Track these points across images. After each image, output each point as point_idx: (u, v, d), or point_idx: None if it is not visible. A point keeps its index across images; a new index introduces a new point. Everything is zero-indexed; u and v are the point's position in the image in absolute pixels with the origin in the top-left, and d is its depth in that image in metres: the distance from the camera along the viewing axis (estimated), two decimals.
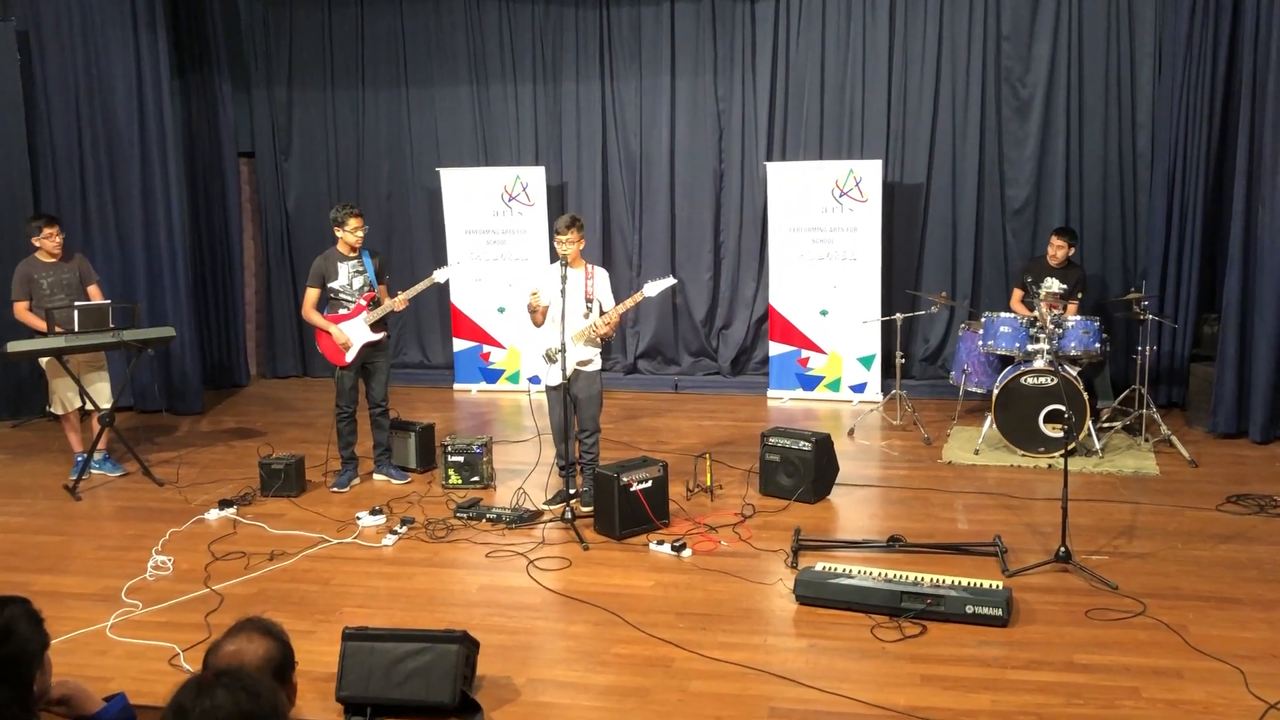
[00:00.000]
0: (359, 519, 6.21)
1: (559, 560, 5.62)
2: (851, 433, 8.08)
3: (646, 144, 9.81)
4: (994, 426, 7.31)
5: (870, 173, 8.89)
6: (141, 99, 8.88)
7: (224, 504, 6.50)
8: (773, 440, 6.58)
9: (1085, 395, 6.99)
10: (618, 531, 5.86)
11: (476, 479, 6.84)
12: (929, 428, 7.99)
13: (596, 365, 6.37)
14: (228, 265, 10.04)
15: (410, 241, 10.30)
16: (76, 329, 6.89)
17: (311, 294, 6.79)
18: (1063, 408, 6.81)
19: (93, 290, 7.37)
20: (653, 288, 6.35)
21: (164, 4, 8.98)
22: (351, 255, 6.79)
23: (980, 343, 7.75)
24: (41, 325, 6.96)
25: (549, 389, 6.38)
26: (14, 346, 6.84)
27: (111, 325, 7.06)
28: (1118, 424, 7.69)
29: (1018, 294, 8.26)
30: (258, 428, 8.62)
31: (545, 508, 6.41)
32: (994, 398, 7.26)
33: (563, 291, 6.02)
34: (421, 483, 7.01)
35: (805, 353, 9.23)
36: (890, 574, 4.99)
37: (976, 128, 9.05)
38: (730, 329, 9.90)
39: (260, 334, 10.77)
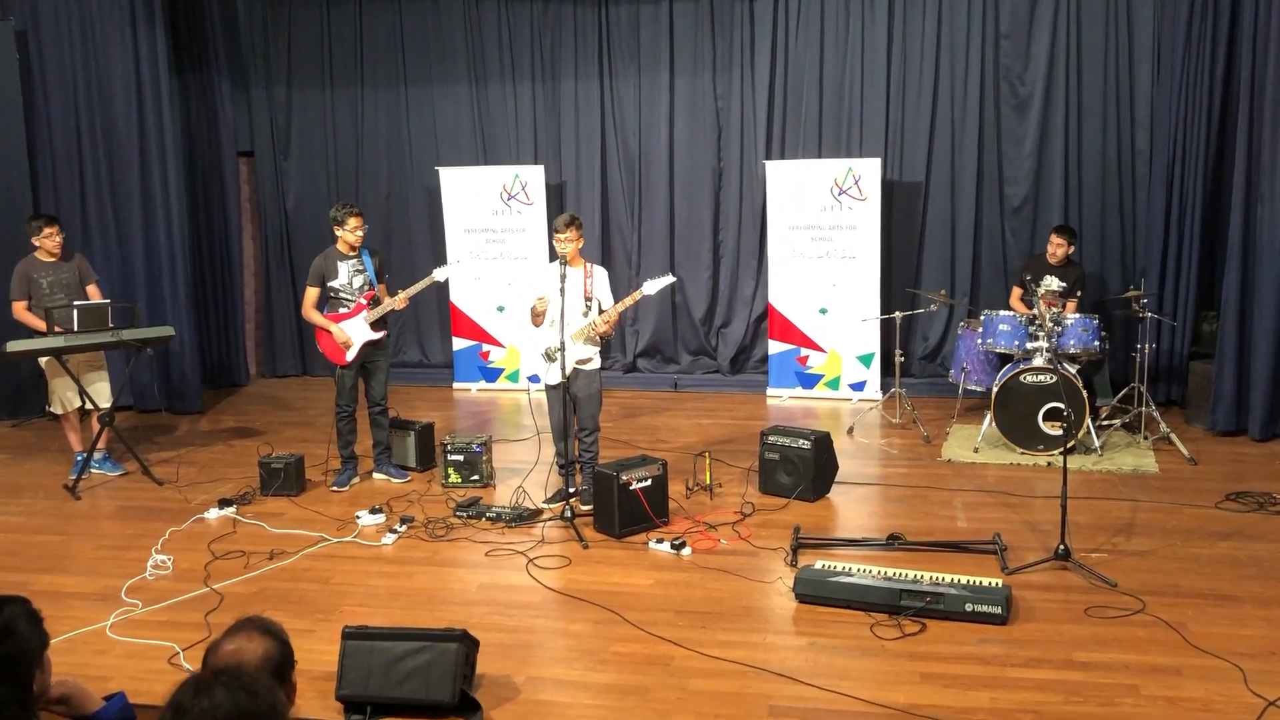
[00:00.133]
0: (359, 518, 6.22)
1: (559, 559, 5.62)
2: (851, 431, 8.08)
3: (645, 142, 9.81)
4: (993, 424, 7.32)
5: (869, 171, 8.89)
6: (140, 98, 8.87)
7: (223, 503, 6.50)
8: (772, 438, 6.58)
9: (1084, 393, 6.99)
10: (617, 530, 5.87)
11: (476, 478, 6.84)
12: (928, 426, 7.99)
13: (596, 364, 6.37)
14: (227, 264, 10.04)
15: (409, 240, 10.30)
16: (76, 328, 6.89)
17: (311, 293, 6.80)
18: (1062, 405, 6.82)
19: (92, 290, 7.37)
20: (652, 286, 6.36)
21: (162, 3, 8.97)
22: (351, 254, 6.79)
23: (979, 341, 7.76)
24: (41, 325, 6.96)
25: (548, 388, 6.38)
26: (13, 346, 6.85)
27: (111, 325, 7.06)
28: (1117, 422, 7.69)
29: (1017, 292, 8.26)
30: (257, 427, 8.62)
31: (545, 506, 6.41)
32: (993, 396, 7.27)
33: (562, 290, 6.03)
34: (421, 481, 7.02)
35: (804, 351, 9.23)
36: (890, 572, 4.99)
37: (975, 126, 9.05)
38: (729, 327, 9.90)
39: (259, 333, 10.77)
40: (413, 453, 7.23)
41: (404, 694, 4.03)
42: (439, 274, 7.10)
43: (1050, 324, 7.11)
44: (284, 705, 2.14)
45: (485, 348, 9.87)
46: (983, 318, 7.74)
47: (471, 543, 5.90)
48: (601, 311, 6.26)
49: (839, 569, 5.04)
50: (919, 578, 4.90)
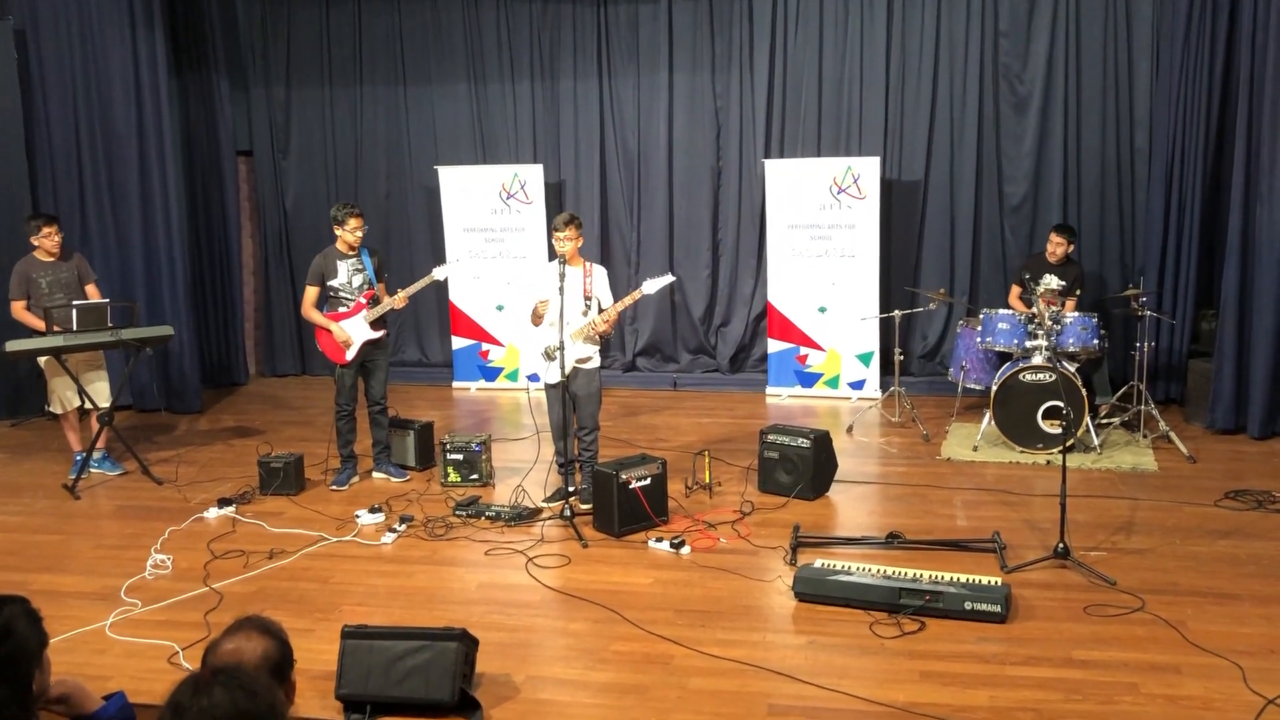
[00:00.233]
0: (358, 517, 6.22)
1: (558, 558, 5.62)
2: (850, 430, 8.08)
3: (644, 141, 9.81)
4: (992, 423, 7.32)
5: (868, 169, 8.89)
6: (139, 98, 8.87)
7: (223, 502, 6.50)
8: (771, 437, 6.58)
9: (1084, 391, 7.00)
10: (616, 529, 5.87)
11: (475, 477, 6.84)
12: (927, 424, 7.99)
13: (595, 363, 6.36)
14: (226, 264, 10.04)
15: (409, 239, 10.30)
16: (75, 328, 6.88)
17: (311, 292, 6.80)
18: (1061, 404, 6.82)
19: (91, 289, 7.37)
20: (651, 285, 6.35)
21: (161, 3, 8.96)
22: (350, 253, 6.79)
23: (979, 339, 7.76)
24: (40, 324, 6.96)
25: (548, 386, 6.38)
26: (12, 346, 6.85)
27: (110, 324, 7.05)
28: (1116, 420, 7.69)
29: (1016, 290, 8.26)
30: (256, 426, 8.62)
31: (544, 505, 6.41)
32: (992, 394, 7.27)
33: (561, 289, 6.02)
34: (420, 481, 7.01)
35: (804, 350, 9.23)
36: (889, 570, 4.99)
37: (974, 124, 9.05)
38: (729, 326, 9.90)
39: (259, 332, 10.77)
40: (412, 452, 7.23)
41: (403, 693, 4.03)
42: (438, 273, 7.10)
43: (1049, 322, 7.11)
44: (283, 704, 2.14)
45: (484, 347, 9.87)
46: (982, 316, 7.74)
47: (471, 542, 5.90)
48: (601, 310, 6.26)
49: (838, 567, 5.04)
50: (918, 576, 4.90)
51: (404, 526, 6.07)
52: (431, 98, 10.15)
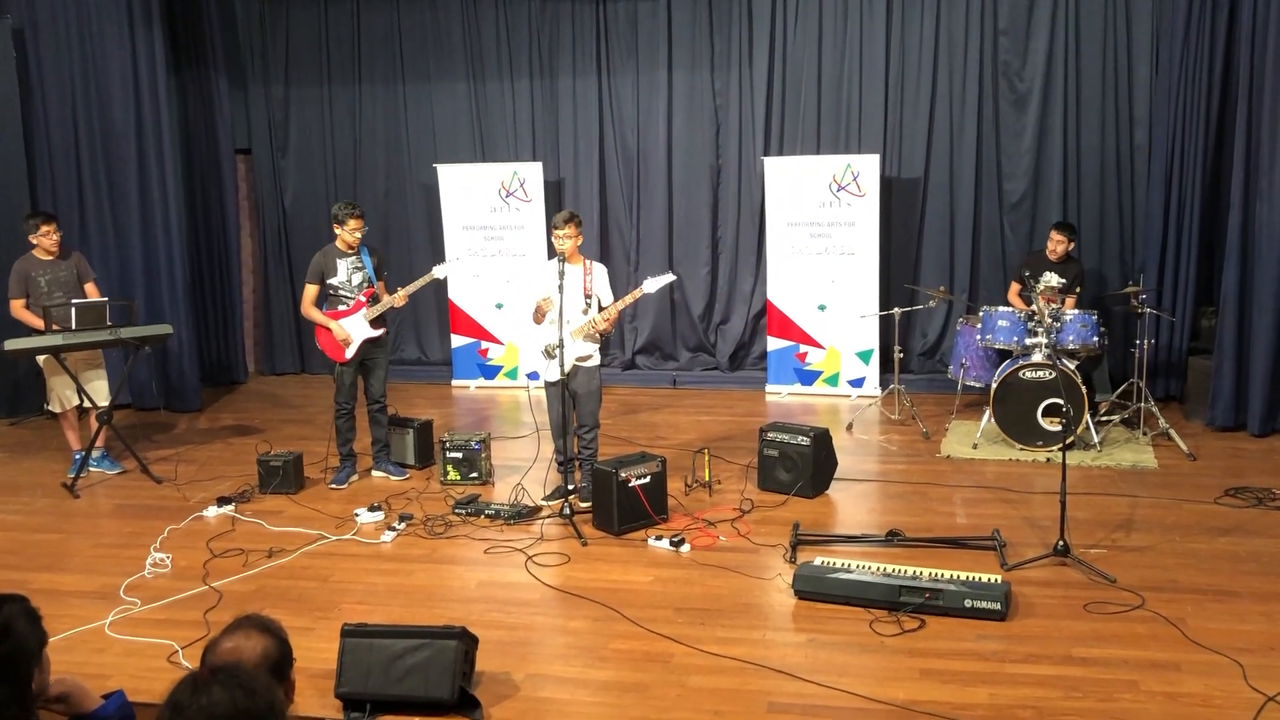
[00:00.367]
0: (357, 515, 6.21)
1: (558, 556, 5.62)
2: (850, 427, 8.08)
3: (644, 139, 9.80)
4: (992, 420, 7.32)
5: (868, 167, 8.88)
6: (138, 96, 8.86)
7: (222, 501, 6.50)
8: (771, 435, 6.58)
9: (1083, 389, 7.00)
10: (616, 527, 5.86)
11: (475, 475, 6.84)
12: (927, 422, 7.99)
13: (595, 361, 6.36)
14: (225, 262, 10.03)
15: (408, 238, 10.29)
16: (74, 326, 6.88)
17: (311, 290, 6.79)
18: (1061, 401, 6.82)
19: (90, 288, 7.36)
20: (652, 284, 6.35)
21: (160, 1, 8.94)
22: (350, 252, 6.79)
23: (978, 337, 7.76)
24: (39, 323, 6.95)
25: (548, 385, 6.37)
26: (11, 344, 6.84)
27: (109, 323, 7.05)
28: (1116, 417, 7.69)
29: (1015, 287, 8.26)
30: (256, 425, 8.62)
31: (544, 503, 6.41)
32: (992, 392, 7.27)
33: (560, 287, 6.02)
34: (420, 479, 7.01)
35: (803, 347, 9.22)
36: (889, 568, 4.99)
37: (974, 122, 9.05)
38: (728, 324, 9.90)
39: (258, 331, 10.77)
40: (411, 450, 7.22)
41: (403, 691, 4.03)
42: (438, 271, 7.10)
43: (1049, 320, 7.10)
44: (282, 703, 2.14)
45: (484, 345, 9.87)
46: (981, 314, 7.74)
47: (470, 540, 5.90)
48: (601, 309, 6.25)
49: (838, 565, 5.04)
50: (918, 574, 4.90)
51: (403, 525, 6.07)
52: (430, 96, 10.14)
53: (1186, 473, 6.80)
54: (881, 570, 4.97)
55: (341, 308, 6.78)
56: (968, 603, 4.68)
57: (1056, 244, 7.98)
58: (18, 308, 7.10)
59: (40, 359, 7.10)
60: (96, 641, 4.74)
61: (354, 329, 6.77)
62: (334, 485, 6.85)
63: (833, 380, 9.17)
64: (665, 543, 5.68)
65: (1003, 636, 4.54)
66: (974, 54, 8.98)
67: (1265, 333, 7.44)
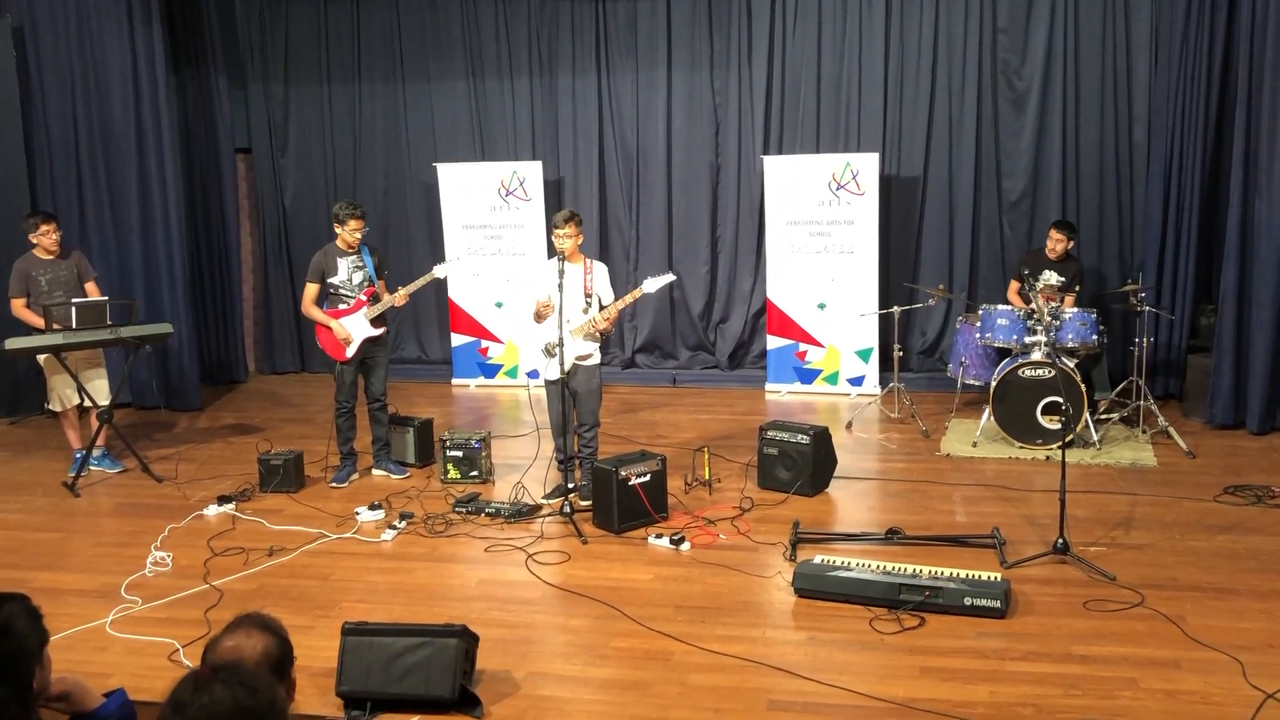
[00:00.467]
0: (358, 514, 6.22)
1: (558, 554, 5.63)
2: (849, 426, 8.08)
3: (643, 138, 9.80)
4: (992, 419, 7.32)
5: (867, 166, 8.89)
6: (138, 95, 8.86)
7: (223, 500, 6.50)
8: (771, 433, 6.58)
9: (1083, 387, 7.00)
10: (616, 525, 5.87)
11: (475, 474, 6.84)
12: (927, 420, 8.00)
13: (595, 359, 6.36)
14: (225, 261, 10.04)
15: (408, 237, 10.29)
16: (74, 326, 6.88)
17: (311, 289, 6.79)
18: (1060, 399, 6.82)
19: (90, 287, 7.37)
20: (652, 284, 6.35)
21: (159, 0, 8.96)
22: (350, 251, 6.79)
23: (978, 335, 7.76)
24: (39, 322, 6.96)
25: (548, 383, 6.37)
26: (12, 343, 6.85)
27: (109, 322, 7.05)
28: (1115, 416, 7.69)
29: (1014, 285, 8.26)
30: (256, 423, 8.63)
31: (544, 502, 6.41)
32: (992, 390, 7.27)
33: (560, 286, 6.02)
34: (420, 478, 7.02)
35: (803, 346, 9.23)
36: (889, 566, 5.00)
37: (973, 120, 9.05)
38: (728, 323, 9.90)
39: (258, 330, 10.77)
40: (412, 449, 7.23)
41: (404, 690, 4.04)
42: (438, 271, 7.10)
43: (1048, 318, 7.11)
44: (283, 701, 2.14)
45: (484, 344, 9.87)
46: (981, 312, 7.74)
47: (471, 538, 5.91)
48: (602, 307, 6.25)
49: (838, 563, 5.05)
50: (918, 572, 4.91)
51: (404, 523, 6.07)
52: (430, 94, 10.14)
53: (1186, 471, 6.80)
54: (881, 568, 4.98)
55: (342, 306, 6.78)
56: (967, 600, 4.68)
57: (1056, 243, 7.98)
58: (18, 307, 7.11)
59: (40, 358, 7.11)
60: (97, 640, 4.74)
61: (354, 328, 6.77)
62: (334, 484, 6.86)
63: (832, 379, 9.18)
64: (665, 541, 5.69)
65: (1002, 634, 4.55)
66: (973, 52, 8.98)
67: (1264, 330, 7.44)
